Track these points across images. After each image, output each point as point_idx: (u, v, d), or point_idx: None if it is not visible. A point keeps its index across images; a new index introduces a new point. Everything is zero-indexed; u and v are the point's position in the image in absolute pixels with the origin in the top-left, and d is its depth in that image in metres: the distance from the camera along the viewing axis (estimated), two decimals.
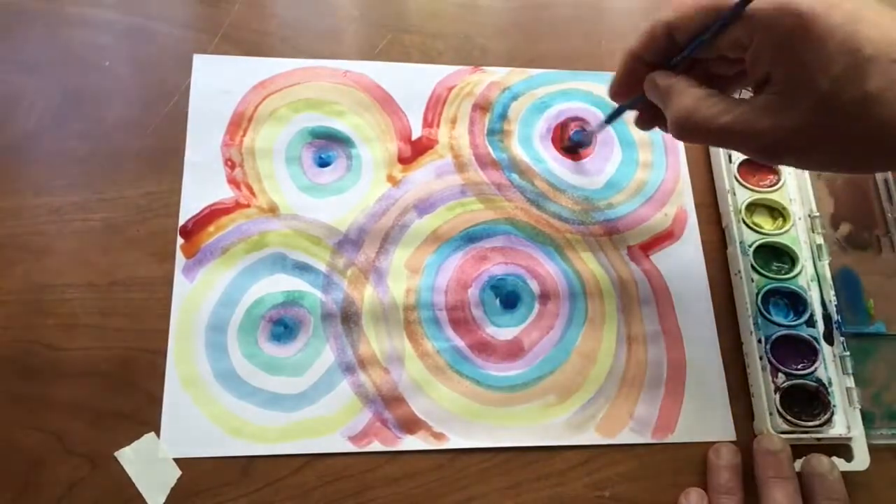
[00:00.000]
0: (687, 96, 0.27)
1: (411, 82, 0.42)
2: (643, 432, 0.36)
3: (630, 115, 0.36)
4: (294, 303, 0.36)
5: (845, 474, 0.34)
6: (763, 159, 0.28)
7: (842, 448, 0.36)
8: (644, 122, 0.35)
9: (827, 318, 0.38)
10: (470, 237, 0.39)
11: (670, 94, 0.28)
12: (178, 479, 0.32)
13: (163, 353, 0.34)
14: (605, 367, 0.37)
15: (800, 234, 0.40)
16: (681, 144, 0.43)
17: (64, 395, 0.33)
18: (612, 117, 0.37)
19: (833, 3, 0.23)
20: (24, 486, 0.32)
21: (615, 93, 0.33)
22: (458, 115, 0.42)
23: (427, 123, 0.41)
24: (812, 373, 0.36)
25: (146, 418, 0.33)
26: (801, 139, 0.25)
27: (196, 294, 0.36)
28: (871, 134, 0.24)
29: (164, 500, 0.32)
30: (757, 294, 0.38)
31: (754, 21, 0.25)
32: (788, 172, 0.42)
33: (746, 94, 0.29)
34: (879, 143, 0.24)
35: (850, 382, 0.37)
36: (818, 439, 0.36)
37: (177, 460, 0.33)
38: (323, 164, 0.40)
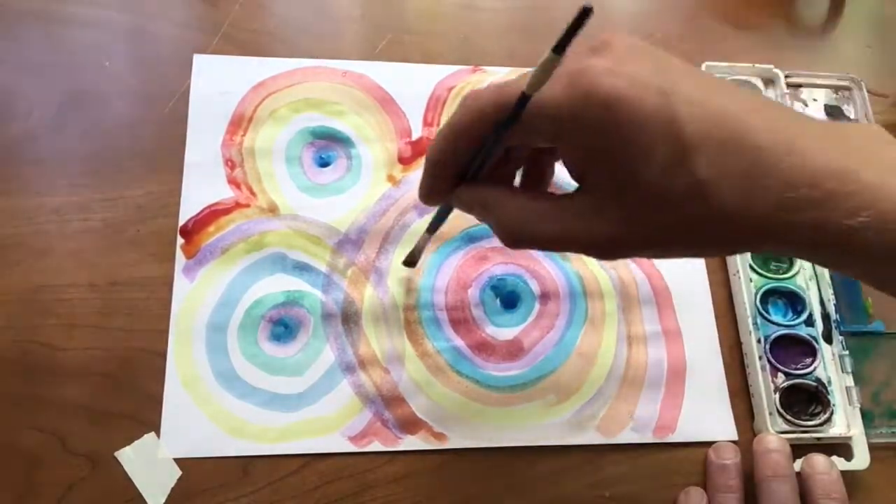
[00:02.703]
0: (507, 210, 0.24)
1: (411, 82, 0.42)
2: (644, 432, 0.36)
3: None
4: (294, 303, 0.36)
5: (845, 473, 0.34)
6: (603, 259, 0.26)
7: (841, 447, 0.36)
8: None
9: (826, 317, 0.38)
10: (470, 237, 0.39)
11: (487, 210, 0.25)
12: (178, 479, 0.32)
13: (163, 353, 0.34)
14: (606, 367, 0.37)
15: None
16: None
17: (64, 395, 0.33)
18: (435, 224, 0.32)
19: (642, 82, 0.20)
20: (24, 486, 0.32)
21: (427, 201, 0.28)
22: None
23: (427, 123, 0.41)
24: (811, 372, 0.37)
25: (146, 418, 0.33)
26: (636, 238, 0.22)
27: (196, 294, 0.36)
28: (712, 220, 0.21)
29: (164, 500, 0.32)
30: (756, 294, 0.38)
31: (557, 113, 0.21)
32: None
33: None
34: (724, 228, 0.21)
35: (850, 381, 0.37)
36: (818, 439, 0.36)
37: (177, 460, 0.33)
38: (323, 164, 0.40)
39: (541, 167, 0.27)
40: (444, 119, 0.41)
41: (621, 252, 0.23)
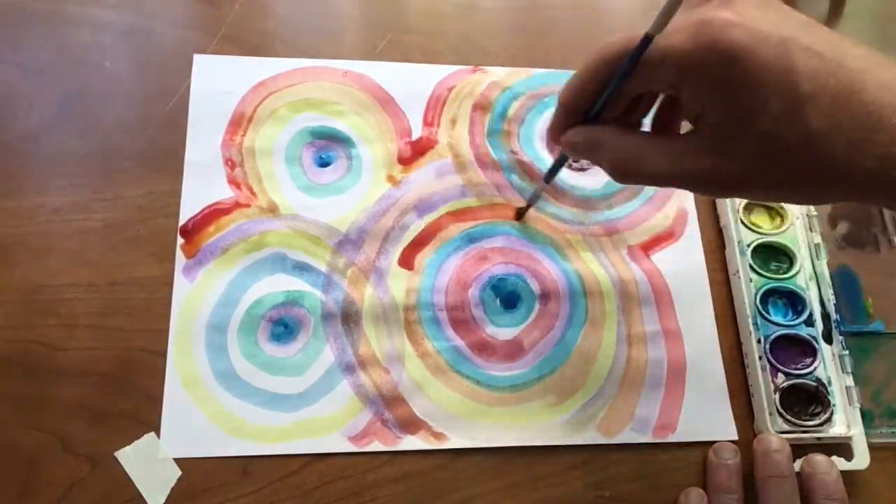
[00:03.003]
0: (618, 146, 0.26)
1: (411, 82, 0.42)
2: (644, 432, 0.36)
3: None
4: (294, 303, 0.36)
5: (845, 473, 0.34)
6: (710, 196, 0.27)
7: (842, 447, 0.36)
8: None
9: (826, 317, 0.38)
10: (470, 237, 0.39)
11: (599, 148, 0.26)
12: (178, 479, 0.32)
13: (163, 353, 0.34)
14: (606, 367, 0.37)
15: (798, 234, 0.40)
16: None
17: (64, 395, 0.33)
18: (552, 171, 0.34)
19: (762, 34, 0.21)
20: (24, 486, 0.32)
21: (554, 139, 0.29)
22: (459, 115, 0.42)
23: (427, 123, 0.41)
24: (811, 372, 0.37)
25: (146, 418, 0.33)
26: (745, 178, 0.23)
27: (196, 294, 0.36)
28: (820, 171, 0.22)
29: (164, 500, 0.32)
30: (756, 294, 0.38)
31: (681, 62, 0.23)
32: None
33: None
34: (832, 178, 0.22)
35: (850, 381, 0.37)
36: (818, 439, 0.36)
37: (177, 460, 0.33)
38: (323, 164, 0.40)
39: (669, 115, 0.28)
40: (445, 119, 0.41)
41: (728, 189, 0.25)
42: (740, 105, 0.22)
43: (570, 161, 0.42)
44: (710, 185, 0.25)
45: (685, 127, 0.26)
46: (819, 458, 0.34)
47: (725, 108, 0.22)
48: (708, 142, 0.23)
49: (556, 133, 0.29)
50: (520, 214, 0.39)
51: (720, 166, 0.23)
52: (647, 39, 0.23)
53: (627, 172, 0.26)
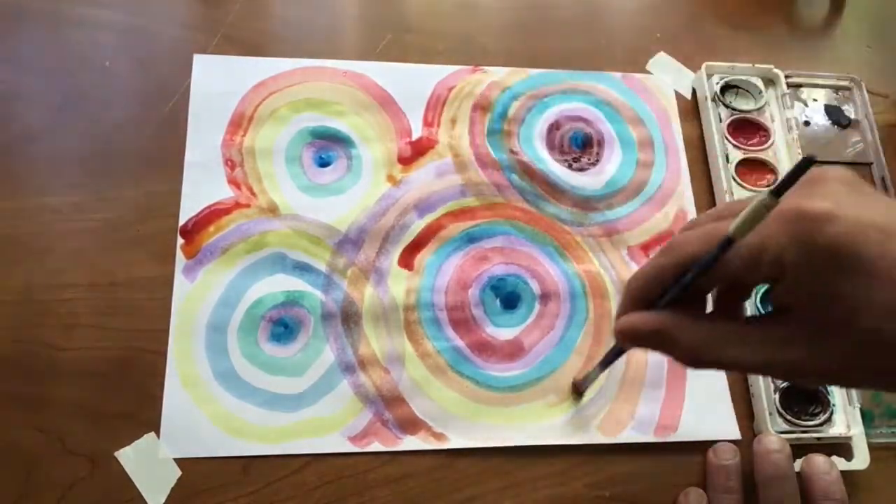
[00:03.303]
0: (692, 334, 0.24)
1: (411, 82, 0.42)
2: (645, 432, 0.36)
3: None
4: (294, 303, 0.36)
5: (845, 473, 0.34)
6: (798, 383, 0.26)
7: (842, 447, 0.36)
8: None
9: None
10: (470, 237, 0.39)
11: (668, 336, 0.24)
12: (178, 479, 0.32)
13: (163, 353, 0.34)
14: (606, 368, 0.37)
15: None
16: (681, 144, 0.43)
17: (64, 395, 0.33)
18: (608, 359, 0.32)
19: (862, 225, 0.20)
20: (24, 486, 0.32)
21: (618, 338, 0.27)
22: (459, 115, 0.42)
23: (427, 123, 0.41)
24: None
25: (146, 418, 0.33)
26: (841, 371, 0.22)
27: (196, 294, 0.36)
28: None
29: (164, 500, 0.32)
30: (756, 294, 0.38)
31: (776, 258, 0.21)
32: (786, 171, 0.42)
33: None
34: None
35: None
36: (818, 439, 0.36)
37: (177, 460, 0.33)
38: (323, 164, 0.40)
39: (733, 296, 0.26)
40: (445, 119, 0.41)
41: (820, 381, 0.24)
42: (843, 300, 0.21)
43: (570, 162, 0.42)
44: (799, 376, 0.23)
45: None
46: (819, 459, 0.34)
47: (825, 303, 0.21)
48: (800, 333, 0.22)
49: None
50: (577, 390, 0.36)
51: (814, 359, 0.22)
52: (729, 242, 0.21)
53: (703, 360, 0.24)
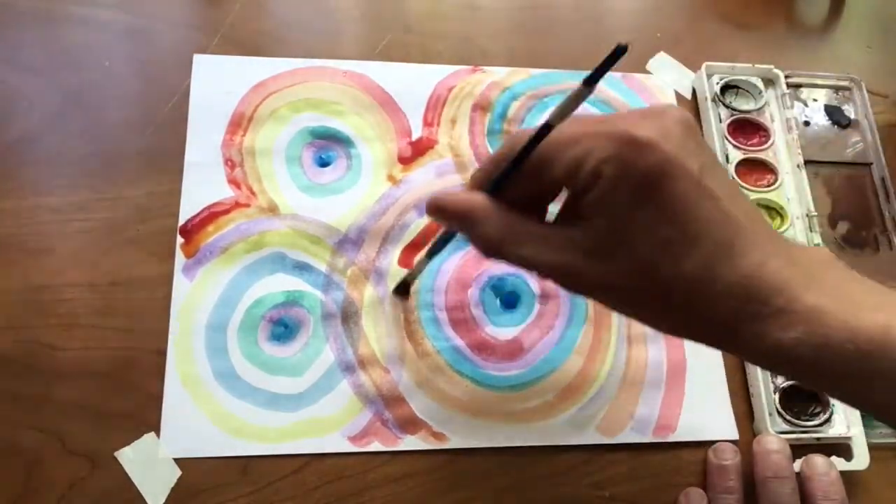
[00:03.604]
0: (493, 222, 0.24)
1: (411, 82, 0.42)
2: (644, 432, 0.36)
3: None
4: (294, 303, 0.36)
5: (845, 474, 0.34)
6: (567, 290, 0.26)
7: (841, 447, 0.36)
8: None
9: None
10: None
11: (471, 220, 0.24)
12: (178, 479, 0.32)
13: (163, 353, 0.34)
14: (606, 367, 0.37)
15: (798, 234, 0.40)
16: None
17: (64, 395, 0.33)
18: (435, 248, 0.31)
19: (681, 162, 0.21)
20: (24, 486, 0.32)
21: (430, 213, 0.27)
22: (459, 115, 0.42)
23: (427, 123, 0.41)
24: None
25: (146, 418, 0.33)
26: (613, 289, 0.23)
27: (196, 294, 0.36)
28: (686, 310, 0.22)
29: (163, 500, 0.32)
30: None
31: (594, 167, 0.22)
32: (786, 172, 0.42)
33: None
34: (695, 320, 0.23)
35: None
36: (818, 439, 0.36)
37: (177, 460, 0.33)
38: (323, 164, 0.40)
39: (544, 199, 0.28)
40: (445, 119, 0.41)
41: (590, 293, 0.25)
42: (634, 224, 0.22)
43: None
44: (580, 287, 0.24)
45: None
46: (818, 459, 0.34)
47: (620, 223, 0.22)
48: (588, 242, 0.23)
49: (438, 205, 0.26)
50: (399, 290, 0.36)
51: (594, 271, 0.23)
52: (547, 127, 0.23)
53: (500, 252, 0.24)
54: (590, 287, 0.24)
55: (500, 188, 0.25)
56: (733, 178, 0.41)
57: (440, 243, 0.30)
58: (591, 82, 0.21)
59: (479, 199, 0.25)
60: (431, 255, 0.32)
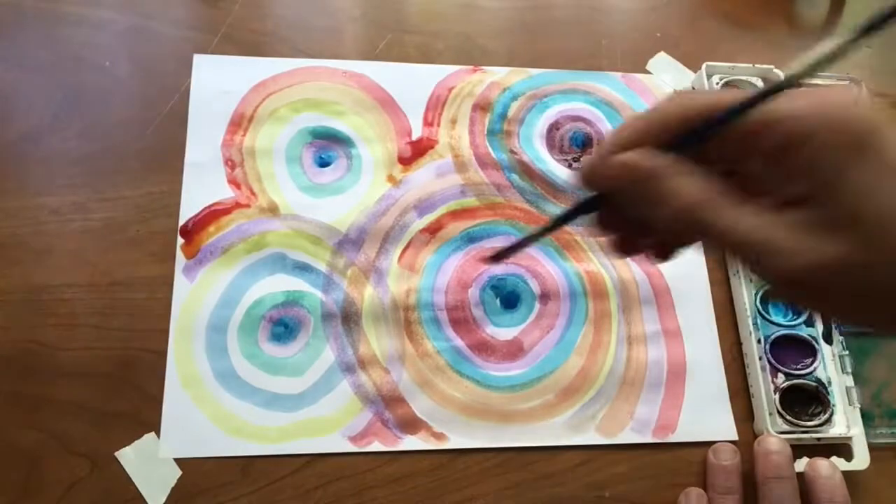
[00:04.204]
0: (692, 184, 0.20)
1: (411, 82, 0.42)
2: (644, 432, 0.36)
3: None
4: (294, 303, 0.36)
5: (845, 474, 0.34)
6: (781, 288, 0.21)
7: (842, 447, 0.36)
8: (624, 247, 0.24)
9: None
10: (470, 237, 0.39)
11: (664, 179, 0.20)
12: (178, 479, 0.32)
13: (163, 353, 0.34)
14: (606, 367, 0.37)
15: None
16: None
17: (64, 395, 0.33)
18: (556, 224, 0.24)
19: (892, 122, 0.19)
20: (24, 486, 0.32)
21: (588, 178, 0.22)
22: (459, 115, 0.42)
23: (427, 123, 0.41)
24: (811, 372, 0.37)
25: (146, 418, 0.33)
26: (837, 273, 0.19)
27: (196, 294, 0.36)
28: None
29: (164, 500, 0.32)
30: (755, 294, 0.38)
31: (803, 127, 0.19)
32: None
33: None
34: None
35: (850, 382, 0.37)
36: (818, 439, 0.36)
37: (177, 460, 0.33)
38: (323, 164, 0.40)
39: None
40: (445, 119, 0.41)
41: (811, 282, 0.20)
42: (854, 184, 0.19)
43: (570, 162, 0.42)
44: (794, 268, 0.19)
45: None
46: (822, 462, 0.34)
47: (836, 185, 0.19)
48: (811, 219, 0.19)
49: (593, 168, 0.22)
50: (497, 257, 0.28)
51: (817, 249, 0.19)
52: (789, 84, 0.19)
53: (695, 218, 0.20)
54: (805, 271, 0.19)
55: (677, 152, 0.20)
56: None
57: (579, 209, 0.23)
58: (865, 33, 0.18)
59: (673, 160, 0.20)
60: (544, 232, 0.25)
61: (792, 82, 0.20)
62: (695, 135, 0.20)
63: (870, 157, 0.19)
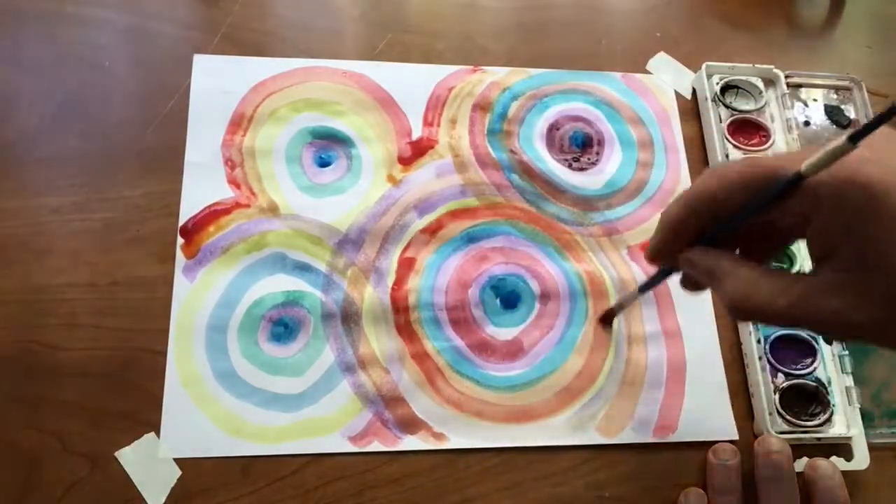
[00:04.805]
0: (737, 278, 0.24)
1: (411, 82, 0.42)
2: (644, 432, 0.36)
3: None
4: (294, 303, 0.36)
5: (845, 474, 0.34)
6: (832, 337, 0.25)
7: (841, 447, 0.36)
8: (692, 285, 0.29)
9: None
10: (470, 237, 0.39)
11: (718, 276, 0.24)
12: (178, 479, 0.32)
13: (163, 353, 0.34)
14: (606, 367, 0.37)
15: None
16: (681, 144, 0.43)
17: (64, 395, 0.33)
18: (649, 284, 0.32)
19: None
20: (24, 486, 0.32)
21: (654, 259, 0.28)
22: (459, 115, 0.42)
23: (427, 123, 0.41)
24: (811, 372, 0.37)
25: (146, 418, 0.33)
26: (874, 320, 0.21)
27: (196, 294, 0.36)
28: None
29: (164, 500, 0.32)
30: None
31: (817, 193, 0.21)
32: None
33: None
34: None
35: (850, 382, 0.37)
36: (818, 439, 0.36)
37: (177, 460, 0.33)
38: (323, 164, 0.40)
39: (759, 249, 0.27)
40: (445, 119, 0.41)
41: (852, 332, 0.23)
42: (877, 243, 0.20)
43: (570, 161, 0.42)
44: (840, 328, 0.22)
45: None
46: (823, 463, 0.34)
47: (859, 246, 0.21)
48: (838, 280, 0.22)
49: (659, 253, 0.27)
50: (606, 318, 0.37)
51: (853, 309, 0.21)
52: (800, 178, 0.21)
53: (750, 308, 0.23)
54: (856, 331, 0.22)
55: (714, 240, 0.25)
56: None
57: (657, 279, 0.31)
58: (856, 139, 0.20)
59: (721, 256, 0.25)
60: (644, 289, 0.33)
61: (807, 175, 0.21)
62: (733, 224, 0.24)
63: (883, 211, 0.20)
